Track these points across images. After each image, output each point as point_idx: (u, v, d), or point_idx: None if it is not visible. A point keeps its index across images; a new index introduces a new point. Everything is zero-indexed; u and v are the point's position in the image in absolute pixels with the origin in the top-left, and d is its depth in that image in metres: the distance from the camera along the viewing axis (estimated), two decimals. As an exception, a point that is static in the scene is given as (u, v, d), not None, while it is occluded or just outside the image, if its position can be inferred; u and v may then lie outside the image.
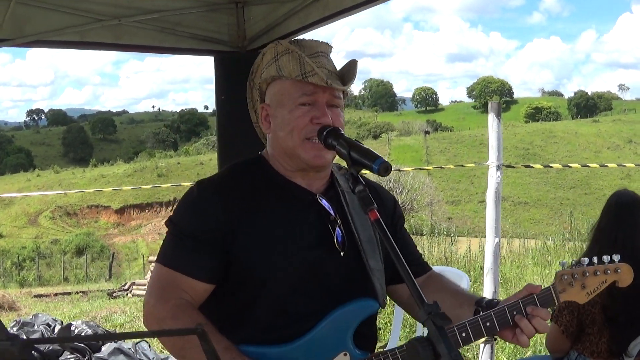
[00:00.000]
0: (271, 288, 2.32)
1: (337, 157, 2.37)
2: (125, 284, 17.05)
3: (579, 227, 18.12)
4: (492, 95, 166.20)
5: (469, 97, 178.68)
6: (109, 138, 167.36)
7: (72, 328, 7.15)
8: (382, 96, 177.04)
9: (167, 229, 2.43)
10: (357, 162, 2.14)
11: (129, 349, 6.86)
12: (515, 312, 2.29)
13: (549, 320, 2.47)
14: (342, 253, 2.41)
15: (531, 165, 8.34)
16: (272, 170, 2.48)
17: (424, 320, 1.76)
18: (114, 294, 15.87)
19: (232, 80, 5.68)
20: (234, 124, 5.65)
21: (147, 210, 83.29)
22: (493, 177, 6.21)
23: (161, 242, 2.42)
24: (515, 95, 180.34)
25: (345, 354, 2.36)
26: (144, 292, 14.92)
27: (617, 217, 4.06)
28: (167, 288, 2.31)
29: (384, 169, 2.06)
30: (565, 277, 2.41)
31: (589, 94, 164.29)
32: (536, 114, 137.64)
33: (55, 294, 18.32)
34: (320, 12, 5.25)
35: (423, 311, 1.78)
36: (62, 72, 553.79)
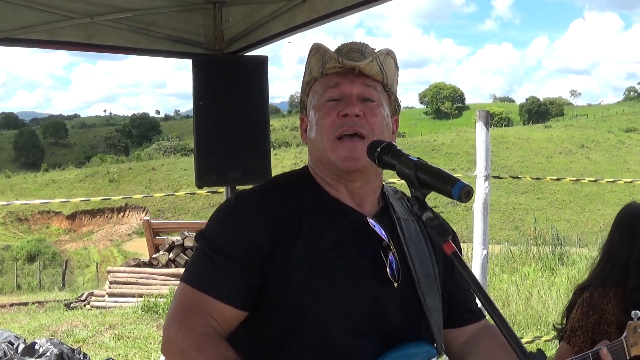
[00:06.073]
0: (312, 320, 1.98)
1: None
2: (83, 294, 16.46)
3: (544, 234, 18.04)
4: (444, 101, 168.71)
5: (421, 103, 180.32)
6: (61, 142, 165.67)
7: (36, 347, 6.74)
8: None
9: (196, 244, 2.12)
10: (428, 185, 1.81)
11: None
12: None
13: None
14: (395, 284, 2.06)
15: (519, 176, 8.19)
16: (317, 185, 2.16)
17: None
18: (71, 305, 15.34)
19: (210, 84, 5.37)
20: (212, 130, 5.35)
21: (98, 216, 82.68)
22: (481, 187, 6.01)
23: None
24: (467, 102, 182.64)
25: None
26: (102, 304, 14.44)
27: (631, 232, 3.89)
28: (192, 312, 1.99)
29: (466, 194, 1.70)
30: (639, 330, 2.16)
31: (541, 99, 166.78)
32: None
33: (11, 304, 17.68)
34: (306, 14, 4.90)
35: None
36: (15, 75, 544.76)
